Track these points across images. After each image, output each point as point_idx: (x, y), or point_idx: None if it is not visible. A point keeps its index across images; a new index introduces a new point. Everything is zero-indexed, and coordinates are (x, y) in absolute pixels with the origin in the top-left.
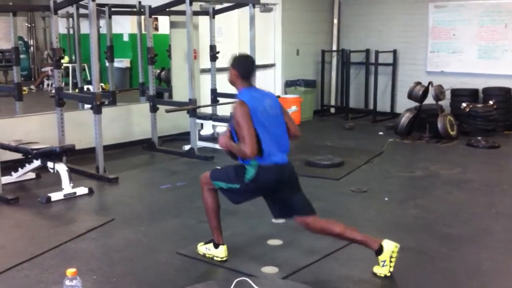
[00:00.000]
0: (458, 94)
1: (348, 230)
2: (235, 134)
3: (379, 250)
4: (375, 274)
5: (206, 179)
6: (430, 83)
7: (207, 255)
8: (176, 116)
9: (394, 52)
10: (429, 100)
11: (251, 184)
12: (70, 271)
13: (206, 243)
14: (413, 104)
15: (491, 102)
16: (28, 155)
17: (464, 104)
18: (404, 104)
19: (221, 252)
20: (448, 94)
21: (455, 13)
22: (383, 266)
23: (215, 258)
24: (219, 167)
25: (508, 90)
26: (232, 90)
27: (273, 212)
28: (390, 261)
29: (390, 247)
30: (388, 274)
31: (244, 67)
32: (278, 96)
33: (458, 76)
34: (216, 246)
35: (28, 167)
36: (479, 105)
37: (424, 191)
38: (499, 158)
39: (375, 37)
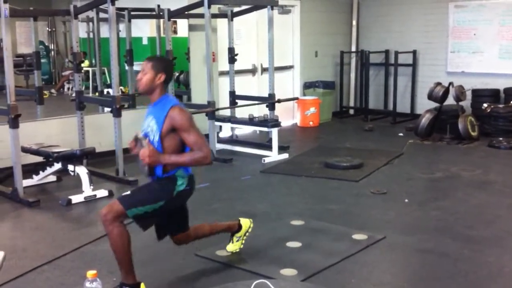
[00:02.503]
0: (479, 95)
1: (211, 226)
2: (160, 145)
3: (239, 229)
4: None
5: (114, 213)
6: (450, 83)
7: None
8: (195, 119)
9: (414, 52)
10: (450, 100)
11: (178, 197)
12: (91, 273)
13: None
14: (433, 105)
15: None
16: (49, 158)
17: (485, 105)
18: (424, 105)
19: None
20: (469, 95)
21: (475, 12)
22: (237, 241)
23: None
24: (128, 193)
25: None
26: (251, 92)
27: (161, 233)
28: (245, 235)
29: (246, 224)
30: (238, 250)
31: (171, 72)
32: (297, 98)
33: (479, 76)
34: (138, 285)
35: (49, 170)
36: (501, 106)
37: (445, 193)
38: None
39: (394, 38)
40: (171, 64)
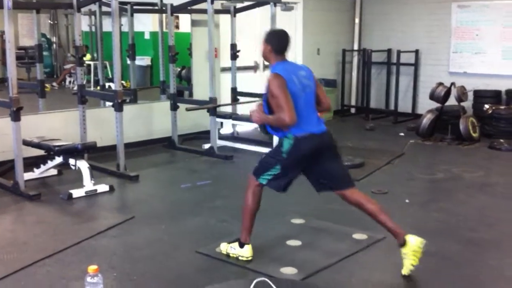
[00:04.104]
0: (481, 96)
1: (382, 214)
2: (267, 108)
3: (403, 244)
4: (404, 276)
5: (252, 179)
6: (452, 84)
7: (231, 255)
8: (196, 115)
9: (416, 52)
10: (451, 101)
11: (289, 157)
12: (92, 268)
13: (230, 242)
14: (435, 105)
15: None
16: (50, 151)
17: (486, 106)
18: (425, 105)
19: (246, 252)
20: (470, 96)
21: (478, 13)
22: (404, 259)
23: (240, 258)
24: (256, 165)
25: None
26: (252, 89)
27: (314, 185)
28: (414, 255)
29: (413, 243)
30: (411, 268)
31: (277, 42)
32: None
33: (481, 77)
34: (242, 245)
35: (50, 163)
36: (502, 107)
37: (446, 194)
38: None
39: (397, 37)
40: (275, 34)
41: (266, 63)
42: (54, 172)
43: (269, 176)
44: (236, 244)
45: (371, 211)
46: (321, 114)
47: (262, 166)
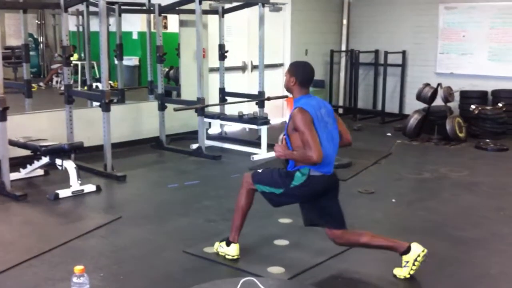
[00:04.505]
0: (467, 96)
1: (374, 239)
2: (289, 142)
3: (406, 251)
4: (394, 276)
5: (248, 180)
6: (439, 84)
7: (220, 253)
8: (184, 115)
9: (404, 53)
10: (438, 101)
11: (296, 190)
12: (78, 269)
13: (221, 240)
14: (421, 105)
15: (500, 105)
16: (37, 152)
17: (473, 106)
18: (412, 106)
19: (233, 251)
20: (457, 96)
21: (465, 14)
22: (404, 266)
23: (226, 257)
24: (260, 170)
25: None
26: (240, 89)
27: (306, 219)
28: (413, 264)
29: (417, 250)
30: (408, 276)
31: (303, 75)
32: (286, 96)
33: (467, 78)
34: (229, 244)
35: (37, 164)
36: (488, 108)
37: (432, 193)
38: (508, 161)
39: (384, 38)
40: (301, 67)
41: (255, 63)
42: (40, 172)
43: (267, 190)
44: (224, 243)
45: (366, 242)
46: (340, 147)
47: (266, 178)
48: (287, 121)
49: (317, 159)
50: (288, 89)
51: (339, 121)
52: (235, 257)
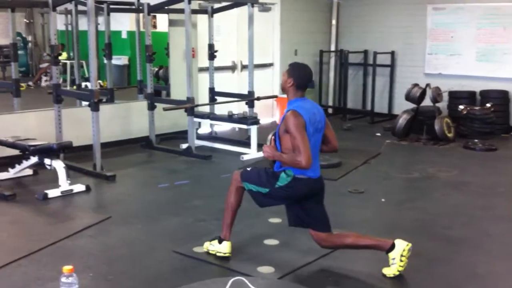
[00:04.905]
0: (455, 97)
1: (359, 239)
2: (278, 143)
3: (391, 248)
4: (384, 275)
5: (237, 177)
6: (427, 85)
7: (210, 251)
8: (174, 115)
9: (392, 53)
10: (427, 102)
11: (280, 191)
12: (67, 268)
13: (211, 240)
14: (410, 105)
15: (488, 105)
16: (26, 151)
17: (461, 107)
18: (401, 106)
19: (224, 248)
20: (445, 96)
21: (453, 15)
22: (392, 264)
23: (217, 254)
24: (249, 168)
25: (506, 92)
26: (230, 89)
27: (290, 219)
28: (400, 260)
29: (401, 245)
30: (397, 273)
31: (300, 78)
32: (276, 96)
33: (456, 78)
34: (221, 241)
35: (25, 163)
36: (477, 108)
37: (421, 193)
38: (496, 160)
39: (373, 38)
40: (299, 68)
41: (245, 63)
42: (29, 172)
43: (254, 189)
44: (215, 241)
45: (351, 243)
46: (324, 153)
47: (253, 176)
48: (279, 122)
49: (306, 164)
50: (284, 89)
51: (328, 126)
52: (227, 254)
